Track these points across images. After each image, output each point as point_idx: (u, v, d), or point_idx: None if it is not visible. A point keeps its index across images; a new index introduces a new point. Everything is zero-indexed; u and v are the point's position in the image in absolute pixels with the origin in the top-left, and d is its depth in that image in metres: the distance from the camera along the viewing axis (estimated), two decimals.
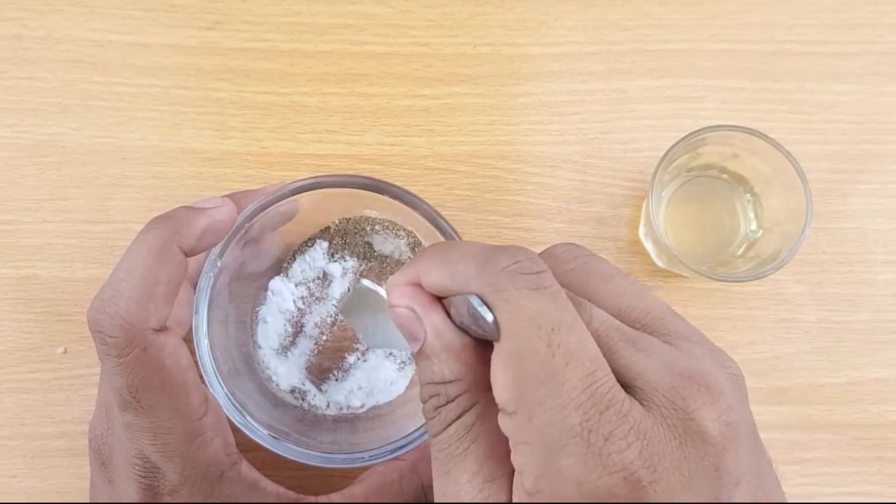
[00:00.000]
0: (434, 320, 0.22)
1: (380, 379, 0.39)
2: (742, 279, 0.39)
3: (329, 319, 0.40)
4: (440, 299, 0.23)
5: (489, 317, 0.21)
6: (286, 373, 0.39)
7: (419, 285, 0.23)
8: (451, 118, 0.43)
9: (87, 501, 0.33)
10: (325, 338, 0.40)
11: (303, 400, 0.39)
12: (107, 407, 0.31)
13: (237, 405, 0.33)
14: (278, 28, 0.43)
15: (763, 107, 0.43)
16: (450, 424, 0.22)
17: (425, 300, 0.22)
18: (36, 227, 0.42)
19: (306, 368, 0.39)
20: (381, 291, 0.25)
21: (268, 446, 0.33)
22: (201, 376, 0.32)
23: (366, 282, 0.26)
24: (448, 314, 0.22)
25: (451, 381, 0.22)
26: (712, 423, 0.19)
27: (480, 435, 0.21)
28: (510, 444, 0.20)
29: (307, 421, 0.38)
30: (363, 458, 0.33)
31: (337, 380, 0.39)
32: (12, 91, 0.42)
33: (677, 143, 0.38)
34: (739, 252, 0.41)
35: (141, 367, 0.28)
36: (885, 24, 0.44)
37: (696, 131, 0.38)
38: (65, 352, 0.41)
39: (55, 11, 0.43)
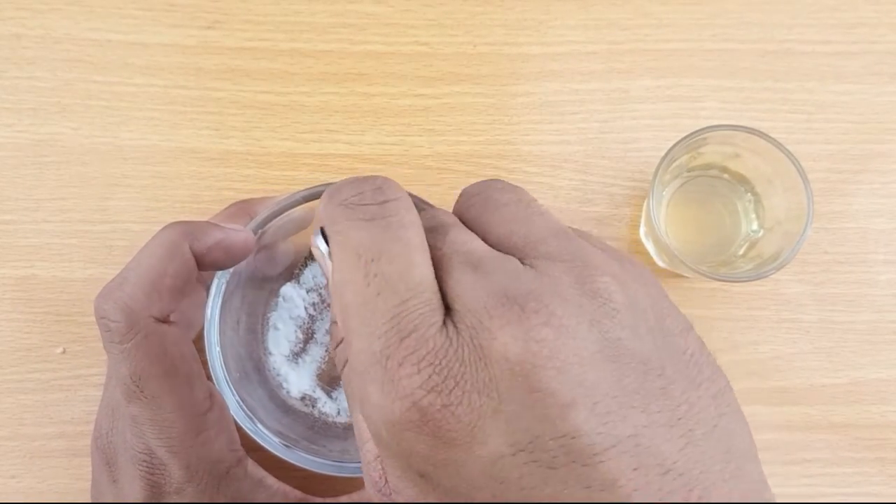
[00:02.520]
0: (329, 262, 0.22)
1: None
2: (743, 279, 0.39)
3: None
4: None
5: (324, 248, 0.21)
6: (297, 380, 0.39)
7: None
8: (451, 118, 0.43)
9: (88, 502, 0.33)
10: None
11: (313, 407, 0.39)
12: (113, 406, 0.31)
13: (247, 412, 0.33)
14: (278, 27, 0.43)
15: (764, 106, 0.43)
16: (343, 366, 0.22)
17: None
18: (35, 226, 0.41)
19: (317, 375, 0.39)
20: None
21: (278, 454, 0.33)
22: (210, 378, 0.33)
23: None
24: None
25: (334, 322, 0.22)
26: (516, 341, 0.18)
27: None
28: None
29: (317, 428, 0.38)
30: None
31: None
32: (11, 90, 0.42)
33: (678, 142, 0.38)
34: (740, 252, 0.41)
35: (143, 354, 0.29)
36: (886, 24, 0.44)
37: (696, 131, 0.38)
38: (64, 352, 0.41)
39: (54, 10, 0.42)
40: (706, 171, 0.42)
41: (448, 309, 0.20)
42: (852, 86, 0.44)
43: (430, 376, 0.18)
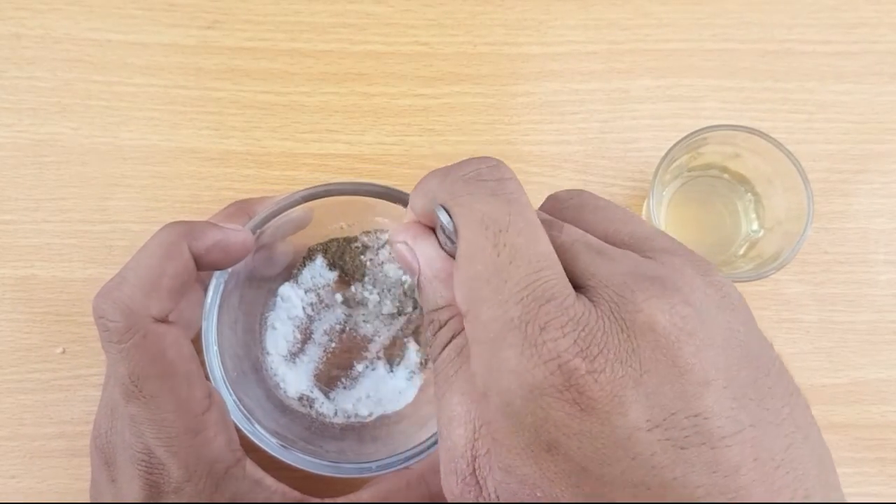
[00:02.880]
0: (424, 249, 0.23)
1: (388, 388, 0.39)
2: (743, 279, 0.39)
3: (338, 326, 0.40)
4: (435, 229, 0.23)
5: (447, 221, 0.21)
6: (294, 380, 0.39)
7: (416, 221, 0.24)
8: (451, 118, 0.43)
9: (88, 502, 0.33)
10: (333, 345, 0.40)
11: (310, 407, 0.39)
12: (112, 405, 0.31)
13: (245, 412, 0.33)
14: (278, 27, 0.43)
15: (764, 106, 0.43)
16: (444, 348, 0.22)
17: (416, 232, 0.23)
18: (35, 226, 0.41)
19: (314, 376, 0.39)
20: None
21: (276, 455, 0.33)
22: (208, 378, 0.33)
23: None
24: (439, 242, 0.23)
25: (442, 307, 0.22)
26: (662, 313, 0.18)
27: (468, 359, 0.21)
28: (470, 348, 0.20)
29: (314, 429, 0.38)
30: (371, 468, 0.33)
31: (345, 388, 0.39)
32: (11, 90, 0.42)
33: (678, 142, 0.38)
34: (741, 252, 0.41)
35: (141, 354, 0.29)
36: (887, 24, 0.44)
37: (697, 131, 0.38)
38: (63, 352, 0.41)
39: (54, 10, 0.42)
40: (706, 171, 0.42)
41: (577, 287, 0.20)
42: (852, 86, 0.44)
43: (575, 341, 0.18)
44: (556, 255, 0.20)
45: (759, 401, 0.19)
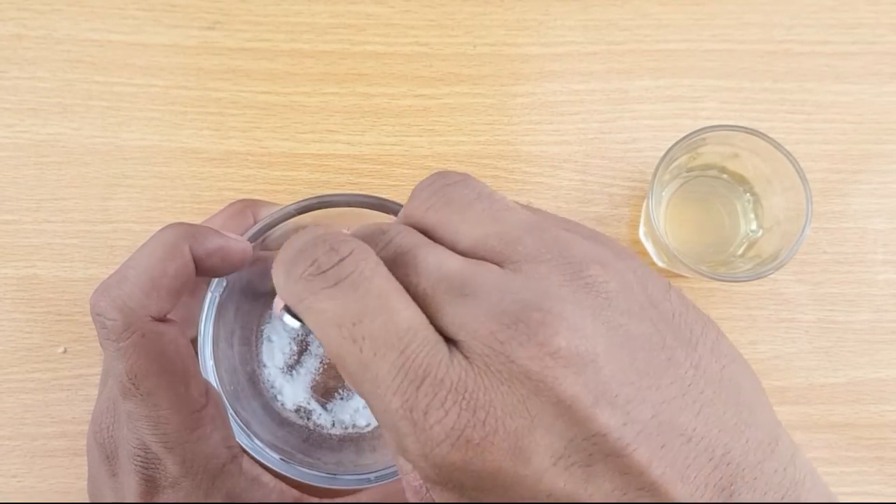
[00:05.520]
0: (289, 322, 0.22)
1: None
2: (742, 279, 0.39)
3: None
4: None
5: (296, 325, 0.21)
6: (292, 392, 0.39)
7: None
8: (451, 118, 0.43)
9: (87, 501, 0.33)
10: None
11: (308, 419, 0.39)
12: (113, 400, 0.31)
13: (242, 425, 0.33)
14: (278, 28, 0.43)
15: (763, 107, 0.43)
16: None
17: (279, 309, 0.23)
18: (36, 226, 0.42)
19: (312, 387, 0.39)
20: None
21: (277, 469, 0.33)
22: None
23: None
24: None
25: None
26: (532, 359, 0.18)
27: None
28: None
29: (312, 441, 0.38)
30: (369, 479, 0.33)
31: (342, 399, 0.39)
32: (12, 91, 0.42)
33: (677, 142, 0.38)
34: (739, 252, 0.41)
35: (139, 352, 0.29)
36: (885, 24, 0.44)
37: (696, 131, 0.38)
38: (65, 352, 0.41)
39: (55, 11, 0.43)
40: (705, 172, 0.42)
41: (449, 340, 0.19)
42: (851, 86, 0.44)
43: (458, 414, 0.18)
44: (420, 316, 0.19)
45: (658, 381, 0.19)
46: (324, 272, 0.20)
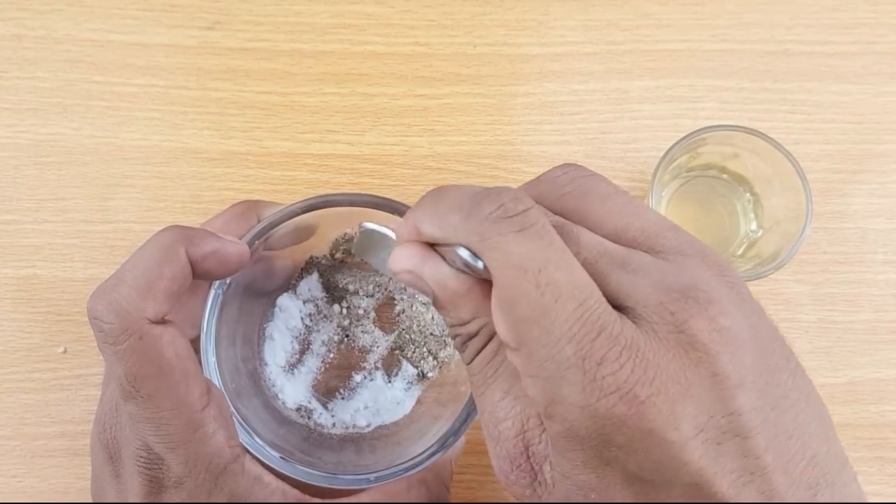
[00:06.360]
0: (434, 274, 0.23)
1: (386, 398, 0.39)
2: (742, 279, 0.39)
3: (336, 337, 0.40)
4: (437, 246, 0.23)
5: (479, 265, 0.21)
6: (293, 391, 0.39)
7: (415, 241, 0.24)
8: (451, 118, 0.43)
9: (88, 500, 0.33)
10: (332, 356, 0.40)
11: (309, 418, 0.39)
12: (116, 401, 0.31)
13: (243, 423, 0.33)
14: (278, 28, 0.43)
15: (763, 107, 0.43)
16: (477, 353, 0.23)
17: (420, 258, 0.23)
18: (36, 226, 0.42)
19: (313, 386, 0.39)
20: (383, 230, 0.26)
21: (277, 468, 0.33)
22: None
23: (368, 224, 0.27)
24: (446, 261, 0.23)
25: (468, 322, 0.23)
26: (701, 331, 0.20)
27: (507, 358, 0.22)
28: (521, 375, 0.21)
29: (312, 440, 0.38)
30: (369, 479, 0.33)
31: (343, 398, 0.39)
32: (12, 91, 0.42)
33: (677, 142, 0.38)
34: (739, 252, 0.41)
35: (138, 355, 0.29)
36: (886, 24, 0.44)
37: (696, 131, 0.38)
38: (65, 352, 0.41)
39: (55, 11, 0.43)
40: (705, 172, 0.42)
41: (616, 307, 0.21)
42: (851, 86, 0.44)
43: (632, 370, 0.19)
44: (591, 279, 0.21)
45: (772, 381, 0.21)
46: (511, 217, 0.21)
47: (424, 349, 0.39)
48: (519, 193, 0.22)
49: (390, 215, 0.34)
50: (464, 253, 0.21)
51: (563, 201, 0.23)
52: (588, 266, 0.21)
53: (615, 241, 0.22)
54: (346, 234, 0.39)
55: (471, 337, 0.23)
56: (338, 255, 0.40)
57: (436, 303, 0.23)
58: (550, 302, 0.20)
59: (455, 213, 0.22)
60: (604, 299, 0.20)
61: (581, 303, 0.20)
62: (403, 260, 0.23)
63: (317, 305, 0.40)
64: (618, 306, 0.21)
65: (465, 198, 0.22)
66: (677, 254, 0.22)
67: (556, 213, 0.23)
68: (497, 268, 0.21)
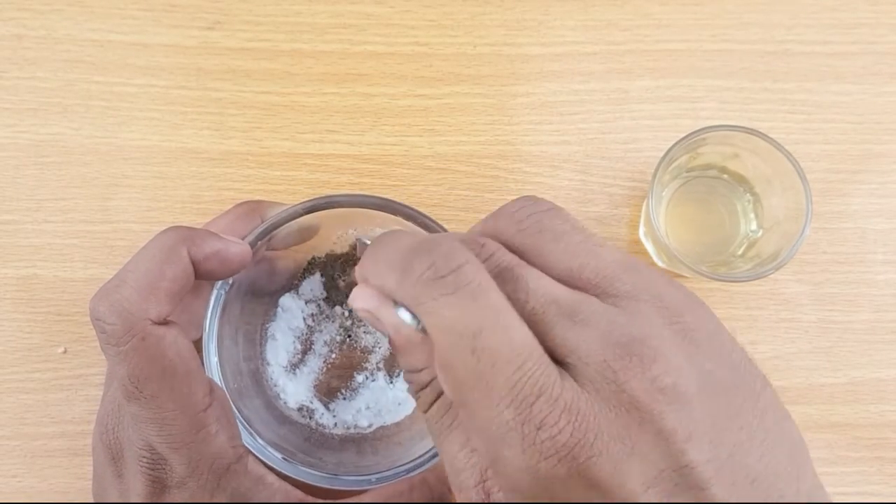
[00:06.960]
0: (389, 318, 0.22)
1: (388, 399, 0.39)
2: (742, 279, 0.39)
3: (338, 338, 0.40)
4: None
5: (417, 326, 0.21)
6: (294, 391, 0.39)
7: (371, 289, 0.23)
8: (451, 118, 0.43)
9: (88, 500, 0.33)
10: (334, 356, 0.40)
11: (310, 418, 0.39)
12: (118, 402, 0.31)
13: (245, 423, 0.33)
14: (279, 28, 0.43)
15: (763, 107, 0.43)
16: (431, 405, 0.23)
17: (377, 300, 0.23)
18: (36, 227, 0.42)
19: (315, 386, 0.39)
20: None
21: (278, 468, 0.33)
22: None
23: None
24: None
25: (420, 370, 0.23)
26: (643, 392, 0.20)
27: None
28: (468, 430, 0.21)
29: (313, 440, 0.38)
30: (370, 480, 0.34)
31: (345, 399, 0.39)
32: (12, 91, 0.42)
33: (677, 143, 0.38)
34: (739, 252, 0.41)
35: (140, 356, 0.29)
36: (886, 24, 0.44)
37: (696, 131, 0.38)
38: (65, 352, 0.41)
39: (55, 11, 0.43)
40: (705, 172, 0.42)
41: (558, 362, 0.20)
42: (851, 86, 0.44)
43: (571, 434, 0.19)
44: (531, 338, 0.20)
45: (730, 427, 0.20)
46: (442, 277, 0.20)
47: None
48: (452, 248, 0.21)
49: (391, 216, 0.34)
50: (404, 315, 0.21)
51: (519, 237, 0.23)
52: (534, 316, 0.21)
53: (568, 283, 0.22)
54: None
55: (423, 387, 0.23)
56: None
57: (391, 345, 0.23)
58: (487, 367, 0.19)
59: (390, 274, 0.22)
60: (545, 358, 0.20)
61: (519, 367, 0.19)
62: (360, 300, 0.23)
63: (319, 305, 0.40)
64: (561, 362, 0.20)
65: (397, 256, 0.22)
66: (630, 299, 0.21)
67: (513, 250, 0.22)
68: (434, 332, 0.21)
